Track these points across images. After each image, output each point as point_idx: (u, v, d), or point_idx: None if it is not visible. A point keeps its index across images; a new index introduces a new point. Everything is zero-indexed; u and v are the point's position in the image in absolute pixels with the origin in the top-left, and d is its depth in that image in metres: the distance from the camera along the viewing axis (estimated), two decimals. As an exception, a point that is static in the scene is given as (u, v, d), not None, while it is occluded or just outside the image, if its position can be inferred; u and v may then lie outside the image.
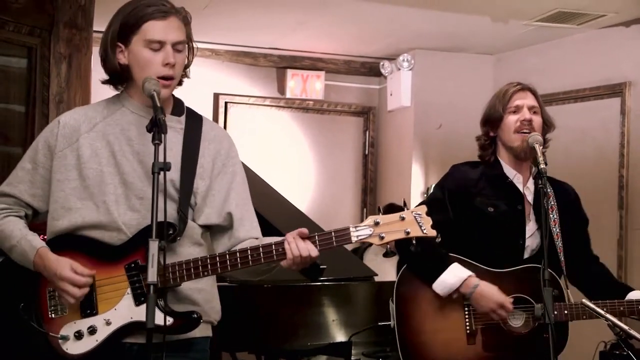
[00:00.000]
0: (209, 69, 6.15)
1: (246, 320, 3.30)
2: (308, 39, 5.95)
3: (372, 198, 6.62)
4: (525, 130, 2.66)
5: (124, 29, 2.02)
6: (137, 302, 1.97)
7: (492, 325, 2.61)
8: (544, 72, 5.57)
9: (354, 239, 1.94)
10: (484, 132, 2.78)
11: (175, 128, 2.08)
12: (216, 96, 6.26)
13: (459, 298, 2.61)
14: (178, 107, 2.14)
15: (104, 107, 2.12)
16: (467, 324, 2.61)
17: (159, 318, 1.90)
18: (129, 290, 1.99)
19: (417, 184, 6.12)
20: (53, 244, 2.06)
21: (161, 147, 1.86)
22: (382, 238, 1.93)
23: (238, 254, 1.97)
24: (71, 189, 2.05)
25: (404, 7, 5.02)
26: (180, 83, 2.11)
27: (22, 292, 2.07)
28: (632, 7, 4.92)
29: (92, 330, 1.99)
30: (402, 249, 2.68)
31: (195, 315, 1.99)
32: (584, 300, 2.56)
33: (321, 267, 3.31)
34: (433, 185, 2.92)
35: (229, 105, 6.30)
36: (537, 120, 2.69)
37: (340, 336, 3.50)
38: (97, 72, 2.13)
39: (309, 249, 1.94)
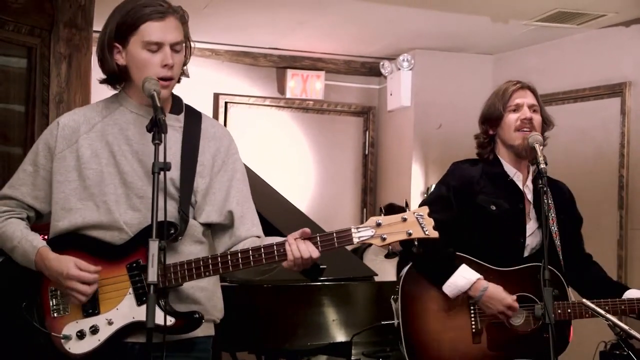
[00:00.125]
0: (209, 69, 6.15)
1: (246, 320, 3.30)
2: (308, 39, 5.95)
3: (372, 198, 6.62)
4: (525, 129, 2.66)
5: (122, 29, 2.01)
6: (139, 302, 1.98)
7: (497, 324, 2.61)
8: (544, 72, 5.57)
9: (355, 240, 1.94)
10: (482, 130, 2.77)
11: (174, 126, 2.08)
12: (216, 96, 6.26)
13: (465, 298, 2.61)
14: (177, 105, 2.14)
15: (103, 107, 2.12)
16: (473, 322, 2.62)
17: (161, 318, 1.90)
18: (130, 290, 1.99)
19: (417, 184, 6.12)
20: (54, 244, 2.06)
21: (161, 147, 1.86)
22: (383, 239, 1.93)
23: (239, 254, 1.97)
24: (71, 189, 2.05)
25: (404, 7, 5.02)
26: (178, 80, 2.10)
27: (24, 292, 2.07)
28: (632, 7, 4.92)
29: (94, 330, 1.99)
30: (408, 250, 2.68)
31: (197, 315, 1.99)
32: (584, 300, 2.56)
33: (321, 267, 3.31)
34: (434, 185, 2.91)
35: (229, 105, 6.30)
36: (537, 118, 2.70)
37: (340, 336, 3.50)
38: (97, 72, 2.12)
39: (310, 251, 1.94)
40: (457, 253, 2.65)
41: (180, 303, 2.02)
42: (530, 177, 2.75)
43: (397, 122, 6.40)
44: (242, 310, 3.24)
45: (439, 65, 6.17)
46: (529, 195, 2.73)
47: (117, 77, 2.08)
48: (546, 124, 2.74)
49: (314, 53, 6.33)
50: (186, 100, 2.20)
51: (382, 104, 6.62)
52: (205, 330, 2.09)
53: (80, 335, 1.99)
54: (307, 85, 6.38)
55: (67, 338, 2.00)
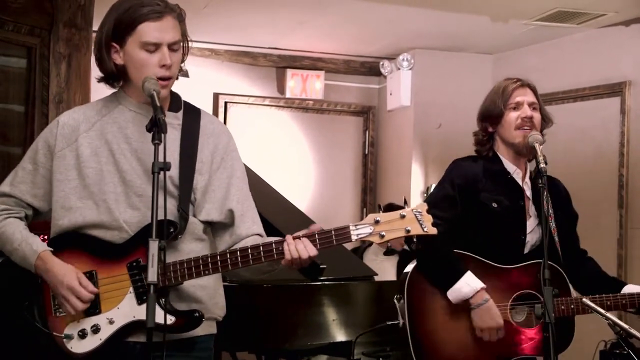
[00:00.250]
0: (209, 69, 6.15)
1: (246, 319, 3.30)
2: (308, 38, 5.95)
3: (372, 198, 6.62)
4: (526, 127, 2.66)
5: (119, 29, 2.00)
6: (140, 301, 1.98)
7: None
8: (544, 71, 5.57)
9: (354, 238, 1.93)
10: (482, 127, 2.77)
11: (173, 124, 2.07)
12: (216, 96, 6.26)
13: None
14: (175, 102, 2.14)
15: (102, 106, 2.12)
16: None
17: (161, 317, 1.90)
18: (131, 289, 1.99)
19: (416, 184, 6.12)
20: (55, 243, 2.06)
21: (161, 147, 1.85)
22: (382, 236, 1.92)
23: (238, 252, 1.97)
24: (71, 188, 2.05)
25: (404, 6, 5.02)
26: (177, 78, 2.10)
27: (26, 291, 2.07)
28: (632, 7, 4.92)
29: (96, 329, 1.99)
30: (418, 251, 2.68)
31: (197, 314, 1.99)
32: (584, 299, 2.57)
33: (321, 266, 3.31)
34: (434, 185, 2.91)
35: (228, 105, 6.30)
36: (537, 116, 2.70)
37: (340, 336, 3.49)
38: (97, 72, 2.12)
39: (308, 250, 1.94)
40: (462, 252, 2.65)
41: (181, 302, 2.02)
42: (528, 174, 2.76)
43: (397, 121, 6.40)
44: (242, 310, 3.24)
45: (438, 65, 6.17)
46: (528, 192, 2.73)
47: (115, 76, 2.08)
48: (545, 121, 2.75)
49: (313, 53, 6.33)
50: (185, 100, 2.20)
51: (381, 104, 6.62)
52: (207, 328, 2.09)
53: (82, 334, 2.00)
54: (307, 85, 6.38)
55: (69, 337, 2.00)
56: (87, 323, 2.00)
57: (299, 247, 1.94)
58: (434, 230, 1.94)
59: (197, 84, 5.82)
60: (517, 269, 2.66)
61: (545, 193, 2.42)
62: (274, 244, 1.96)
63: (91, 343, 1.99)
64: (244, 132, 6.11)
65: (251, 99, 6.37)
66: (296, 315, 3.44)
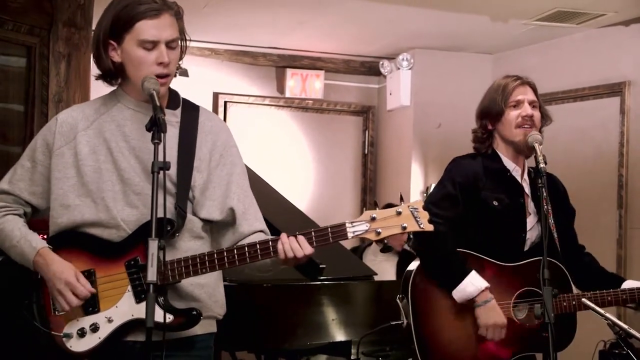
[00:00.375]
0: (209, 68, 6.15)
1: (246, 319, 3.30)
2: (307, 38, 5.95)
3: (371, 197, 6.62)
4: (526, 126, 2.66)
5: (116, 27, 2.00)
6: (138, 300, 1.98)
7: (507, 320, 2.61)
8: (543, 71, 5.57)
9: (350, 235, 1.92)
10: (481, 125, 2.76)
11: (171, 122, 2.06)
12: (215, 95, 6.26)
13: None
14: (173, 100, 2.13)
15: (100, 104, 2.12)
16: None
17: (159, 316, 1.90)
18: (129, 287, 1.99)
19: (416, 183, 6.12)
20: (54, 241, 2.06)
21: (160, 146, 1.85)
22: (378, 233, 1.91)
23: (235, 250, 1.97)
24: (69, 186, 2.05)
25: (404, 6, 5.02)
26: (175, 75, 2.10)
27: (26, 290, 2.08)
28: (632, 7, 4.92)
29: (95, 328, 1.99)
30: (420, 251, 2.68)
31: (195, 312, 1.98)
32: (583, 299, 2.57)
33: (321, 266, 3.31)
34: (433, 184, 2.90)
35: (228, 104, 6.30)
36: (537, 115, 2.70)
37: (339, 335, 3.49)
38: (96, 70, 2.12)
39: (303, 248, 1.94)
40: (463, 250, 2.65)
41: (179, 300, 2.02)
42: (526, 171, 2.76)
43: (397, 121, 6.40)
44: (242, 310, 3.24)
45: (438, 65, 6.17)
46: (527, 189, 2.74)
47: (113, 74, 2.08)
48: (544, 119, 2.75)
49: (313, 52, 6.33)
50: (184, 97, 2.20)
51: (381, 104, 6.62)
52: (206, 327, 2.08)
53: (81, 333, 2.00)
54: (307, 84, 6.38)
55: (68, 336, 2.00)
56: (86, 322, 2.00)
57: (294, 246, 1.94)
58: (430, 227, 1.93)
59: (197, 84, 5.82)
60: (518, 267, 2.66)
61: (545, 193, 2.42)
62: (270, 242, 1.96)
63: (90, 342, 1.99)
64: (243, 131, 6.11)
65: (251, 99, 6.37)
66: (296, 314, 3.45)
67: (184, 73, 5.75)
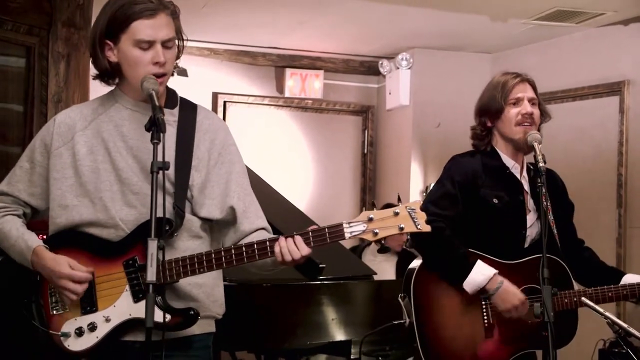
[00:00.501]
0: (208, 68, 6.15)
1: (245, 319, 3.30)
2: (307, 38, 5.95)
3: (371, 197, 6.62)
4: (526, 123, 2.66)
5: (112, 26, 2.00)
6: (136, 299, 1.98)
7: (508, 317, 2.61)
8: (543, 70, 5.56)
9: (347, 235, 1.92)
10: (480, 122, 2.76)
11: (169, 121, 2.06)
12: (215, 95, 6.26)
13: (476, 293, 2.61)
14: (171, 99, 2.13)
15: (98, 104, 2.12)
16: (485, 317, 2.62)
17: (157, 315, 1.90)
18: (127, 287, 1.99)
19: (416, 183, 6.12)
20: (52, 241, 2.06)
21: (159, 146, 1.85)
22: (375, 234, 1.91)
23: (233, 250, 1.97)
24: (67, 186, 2.05)
25: (403, 6, 5.02)
26: (172, 74, 2.10)
27: (25, 289, 2.08)
28: (631, 6, 4.92)
29: (92, 327, 2.00)
30: (422, 250, 2.68)
31: (193, 312, 1.98)
32: (583, 298, 2.57)
33: (320, 266, 3.31)
34: (433, 184, 2.90)
35: (227, 104, 6.30)
36: (536, 112, 2.70)
37: (339, 335, 3.50)
38: (94, 70, 2.13)
39: (300, 249, 1.93)
40: (467, 249, 2.65)
41: (177, 300, 2.01)
42: (525, 167, 2.76)
43: (396, 121, 6.40)
44: (242, 310, 3.24)
45: (437, 64, 6.17)
46: (526, 186, 2.73)
47: (110, 73, 2.08)
48: (543, 116, 2.75)
49: (312, 52, 6.33)
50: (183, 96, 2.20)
51: (380, 103, 6.62)
52: (204, 327, 2.08)
53: (79, 332, 2.00)
54: (306, 84, 6.38)
55: (66, 335, 2.01)
56: (84, 321, 2.01)
57: (291, 248, 1.94)
58: (427, 228, 1.93)
59: (196, 84, 5.82)
60: (519, 264, 2.66)
61: (544, 191, 2.42)
62: (268, 242, 1.97)
63: (88, 341, 1.99)
64: (243, 131, 6.11)
65: (250, 99, 6.37)
66: (295, 314, 3.45)
67: (183, 73, 5.75)
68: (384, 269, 5.19)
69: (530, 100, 2.69)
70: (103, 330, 1.99)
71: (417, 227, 1.92)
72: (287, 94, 6.39)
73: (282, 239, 1.95)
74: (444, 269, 2.64)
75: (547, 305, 2.26)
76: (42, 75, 4.13)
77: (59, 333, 2.01)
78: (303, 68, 6.40)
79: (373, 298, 3.73)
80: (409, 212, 1.92)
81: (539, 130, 2.69)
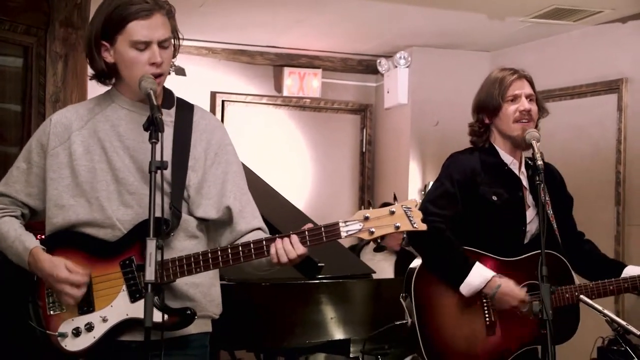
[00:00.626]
0: (206, 68, 6.15)
1: (244, 318, 3.30)
2: (305, 36, 5.95)
3: (369, 196, 6.62)
4: (524, 120, 2.66)
5: (108, 27, 2.00)
6: (133, 299, 1.98)
7: (509, 314, 2.61)
8: (541, 68, 5.55)
9: (343, 234, 1.92)
10: (478, 119, 2.75)
11: (165, 121, 2.05)
12: (213, 94, 6.26)
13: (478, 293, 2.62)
14: (168, 99, 2.13)
15: (95, 104, 2.12)
16: (487, 315, 2.63)
17: (155, 315, 1.89)
18: (124, 287, 1.99)
19: (414, 182, 6.12)
20: (49, 242, 2.06)
21: (157, 146, 1.85)
22: (371, 233, 1.92)
23: (229, 250, 1.98)
24: (64, 186, 2.05)
25: (401, 4, 5.02)
26: (169, 73, 2.09)
27: (22, 290, 2.08)
28: (629, 4, 4.92)
29: (90, 327, 1.99)
30: (421, 250, 2.68)
31: (189, 312, 1.98)
32: (581, 296, 2.57)
33: (319, 264, 3.31)
34: (431, 182, 2.90)
35: (225, 103, 6.29)
36: (534, 109, 2.70)
37: (338, 334, 3.50)
38: (91, 71, 2.12)
39: (296, 249, 1.94)
40: (465, 247, 2.65)
41: (174, 300, 2.01)
42: (524, 163, 2.76)
43: (394, 119, 6.40)
44: (241, 309, 3.24)
45: (435, 63, 6.17)
46: (525, 182, 2.73)
47: (107, 74, 2.08)
48: (541, 111, 2.75)
49: (310, 51, 6.33)
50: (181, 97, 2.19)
51: (379, 102, 6.62)
52: (200, 326, 2.08)
53: (76, 332, 2.00)
54: (304, 83, 6.38)
55: (63, 335, 2.01)
56: (81, 321, 2.01)
57: (287, 248, 1.94)
58: (423, 227, 1.94)
59: (194, 83, 5.82)
60: (519, 261, 2.66)
61: (543, 185, 2.42)
62: (264, 242, 1.97)
63: (85, 341, 1.99)
64: (241, 130, 6.11)
65: (248, 98, 6.36)
66: (294, 313, 3.45)
67: (181, 72, 5.76)
68: (383, 267, 5.19)
69: (527, 97, 2.69)
70: (100, 330, 1.99)
71: (413, 226, 1.92)
72: (285, 93, 6.39)
73: (278, 240, 1.95)
74: (443, 270, 2.64)
75: (546, 303, 2.26)
76: (39, 75, 4.13)
77: (56, 333, 2.01)
78: (301, 67, 6.39)
79: (372, 297, 3.73)
80: (404, 210, 1.93)
81: (537, 126, 2.69)
